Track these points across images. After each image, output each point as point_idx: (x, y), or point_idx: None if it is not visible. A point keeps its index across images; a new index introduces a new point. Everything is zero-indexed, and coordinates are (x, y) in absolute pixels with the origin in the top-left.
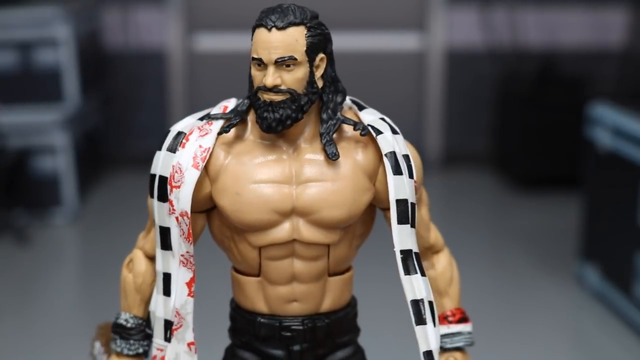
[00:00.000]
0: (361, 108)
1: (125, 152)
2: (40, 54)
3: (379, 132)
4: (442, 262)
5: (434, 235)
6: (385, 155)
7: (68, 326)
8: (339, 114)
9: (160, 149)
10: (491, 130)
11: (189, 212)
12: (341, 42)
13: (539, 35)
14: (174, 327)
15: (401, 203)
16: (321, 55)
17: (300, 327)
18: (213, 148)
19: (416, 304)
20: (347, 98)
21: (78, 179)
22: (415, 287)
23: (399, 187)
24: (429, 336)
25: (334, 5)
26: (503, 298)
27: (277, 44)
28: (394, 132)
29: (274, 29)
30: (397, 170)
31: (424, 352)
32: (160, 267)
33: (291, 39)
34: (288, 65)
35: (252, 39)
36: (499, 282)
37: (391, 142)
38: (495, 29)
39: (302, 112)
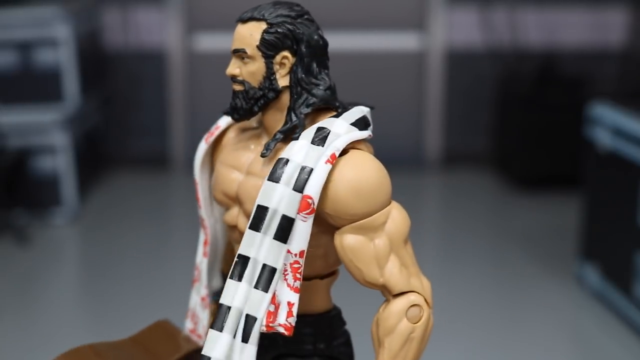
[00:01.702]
0: (355, 122)
1: (125, 152)
2: (40, 54)
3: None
4: (391, 309)
5: (390, 276)
6: (277, 159)
7: (68, 326)
8: (301, 117)
9: None
10: (491, 130)
11: (196, 179)
12: (341, 42)
13: (539, 35)
14: (194, 278)
15: (262, 210)
16: (283, 53)
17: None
18: (225, 128)
19: (221, 307)
20: (358, 108)
21: (78, 179)
22: (234, 293)
23: (266, 194)
24: (217, 345)
25: (334, 5)
26: (503, 298)
27: (236, 36)
28: (342, 152)
29: (240, 22)
30: (274, 177)
31: (202, 355)
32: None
33: (246, 33)
34: (243, 58)
35: None
36: (499, 282)
37: (295, 150)
38: (495, 29)
39: (256, 106)
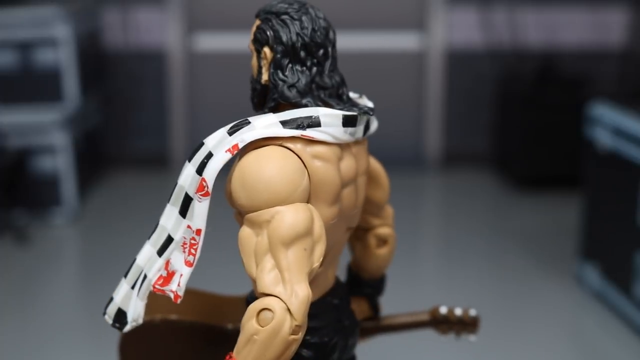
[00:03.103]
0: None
1: (125, 152)
2: (40, 54)
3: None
4: (249, 307)
5: (259, 274)
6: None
7: (68, 326)
8: (266, 110)
9: None
10: (491, 130)
11: None
12: (341, 42)
13: (539, 35)
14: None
15: (177, 186)
16: (264, 49)
17: None
18: None
19: (133, 261)
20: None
21: (78, 179)
22: (142, 251)
23: (182, 172)
24: (120, 290)
25: (334, 5)
26: (503, 298)
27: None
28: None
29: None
30: (189, 158)
31: (111, 297)
32: None
33: (252, 29)
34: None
35: None
36: (499, 282)
37: (211, 137)
38: (495, 28)
39: (255, 97)
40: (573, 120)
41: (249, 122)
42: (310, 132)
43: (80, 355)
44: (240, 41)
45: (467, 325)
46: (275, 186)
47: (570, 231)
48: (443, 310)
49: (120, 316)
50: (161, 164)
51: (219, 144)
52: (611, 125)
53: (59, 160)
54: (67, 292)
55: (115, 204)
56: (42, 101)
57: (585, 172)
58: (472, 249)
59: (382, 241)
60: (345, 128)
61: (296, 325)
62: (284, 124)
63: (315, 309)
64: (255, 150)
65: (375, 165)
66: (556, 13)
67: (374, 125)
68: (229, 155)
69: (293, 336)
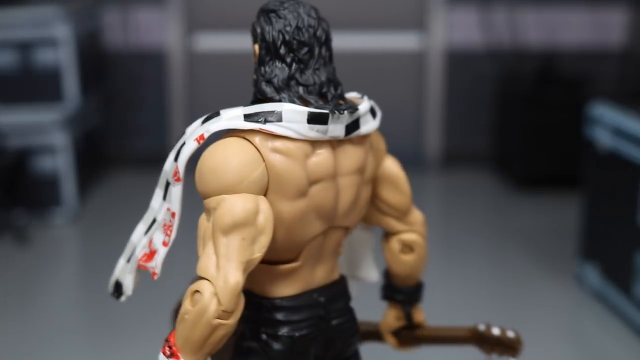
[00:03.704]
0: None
1: (125, 152)
2: (40, 54)
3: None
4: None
5: (200, 257)
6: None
7: (68, 326)
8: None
9: None
10: (491, 130)
11: None
12: (341, 42)
13: (539, 35)
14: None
15: (162, 170)
16: (255, 46)
17: None
18: None
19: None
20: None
21: (78, 178)
22: (136, 229)
23: (168, 158)
24: (119, 265)
25: (334, 5)
26: (503, 298)
27: None
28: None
29: None
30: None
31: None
32: None
33: None
34: None
35: None
36: (499, 282)
37: (191, 126)
38: (495, 28)
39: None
40: (573, 120)
41: (219, 114)
42: (269, 127)
43: (80, 355)
44: (240, 41)
45: (507, 347)
46: (223, 175)
47: (570, 231)
48: (481, 327)
49: (118, 287)
50: (161, 164)
51: (192, 134)
52: (611, 125)
53: (59, 160)
54: (67, 292)
55: (115, 204)
56: (42, 101)
57: (585, 172)
58: (472, 249)
59: (408, 247)
60: (312, 125)
61: (223, 311)
62: (248, 117)
63: (291, 303)
64: (217, 140)
65: (393, 168)
66: (556, 13)
67: (369, 125)
68: (196, 145)
69: (219, 320)
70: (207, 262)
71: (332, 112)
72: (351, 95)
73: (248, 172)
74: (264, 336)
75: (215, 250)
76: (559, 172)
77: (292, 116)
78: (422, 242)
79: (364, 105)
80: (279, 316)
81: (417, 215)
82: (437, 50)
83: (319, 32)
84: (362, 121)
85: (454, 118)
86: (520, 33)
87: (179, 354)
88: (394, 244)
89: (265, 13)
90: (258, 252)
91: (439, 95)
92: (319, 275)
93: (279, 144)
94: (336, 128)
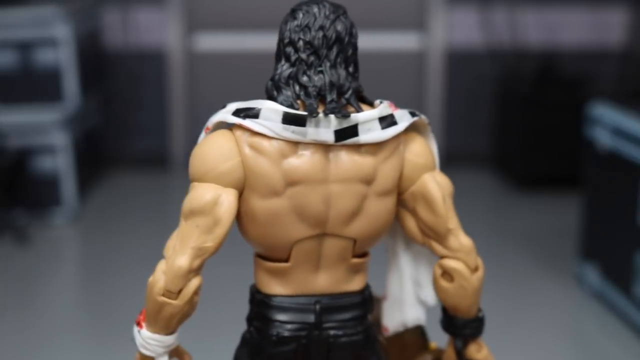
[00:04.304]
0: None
1: (125, 152)
2: (40, 54)
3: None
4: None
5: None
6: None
7: (68, 326)
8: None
9: None
10: (491, 129)
11: None
12: None
13: (539, 35)
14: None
15: None
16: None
17: None
18: None
19: None
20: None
21: (78, 178)
22: None
23: None
24: None
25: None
26: (503, 298)
27: None
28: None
29: None
30: None
31: None
32: None
33: None
34: None
35: None
36: (499, 282)
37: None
38: (495, 28)
39: None
40: (573, 120)
41: (225, 107)
42: (248, 122)
43: (80, 355)
44: (241, 41)
45: None
46: (197, 163)
47: (570, 231)
48: None
49: None
50: (161, 164)
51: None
52: (611, 125)
53: (59, 160)
54: (67, 292)
55: (115, 204)
56: (42, 101)
57: (585, 172)
58: None
59: (448, 275)
60: (287, 125)
61: (167, 290)
62: (236, 111)
63: (280, 302)
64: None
65: (428, 186)
66: (556, 13)
67: (373, 135)
68: (204, 135)
69: (163, 298)
70: (169, 241)
71: (310, 115)
72: (376, 102)
73: (218, 163)
74: (252, 328)
75: (177, 232)
76: (559, 172)
77: (269, 114)
78: (464, 272)
79: (368, 113)
80: (266, 312)
81: (462, 243)
82: (437, 50)
83: (329, 33)
84: (362, 129)
85: (454, 118)
86: (520, 33)
87: (142, 323)
88: (437, 268)
89: (289, 12)
90: (211, 241)
91: (439, 95)
92: (321, 282)
93: (254, 140)
94: (319, 132)
